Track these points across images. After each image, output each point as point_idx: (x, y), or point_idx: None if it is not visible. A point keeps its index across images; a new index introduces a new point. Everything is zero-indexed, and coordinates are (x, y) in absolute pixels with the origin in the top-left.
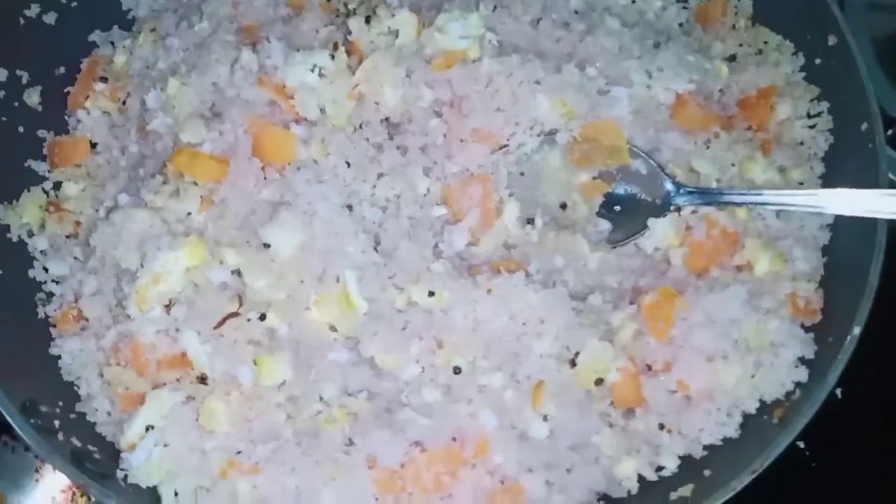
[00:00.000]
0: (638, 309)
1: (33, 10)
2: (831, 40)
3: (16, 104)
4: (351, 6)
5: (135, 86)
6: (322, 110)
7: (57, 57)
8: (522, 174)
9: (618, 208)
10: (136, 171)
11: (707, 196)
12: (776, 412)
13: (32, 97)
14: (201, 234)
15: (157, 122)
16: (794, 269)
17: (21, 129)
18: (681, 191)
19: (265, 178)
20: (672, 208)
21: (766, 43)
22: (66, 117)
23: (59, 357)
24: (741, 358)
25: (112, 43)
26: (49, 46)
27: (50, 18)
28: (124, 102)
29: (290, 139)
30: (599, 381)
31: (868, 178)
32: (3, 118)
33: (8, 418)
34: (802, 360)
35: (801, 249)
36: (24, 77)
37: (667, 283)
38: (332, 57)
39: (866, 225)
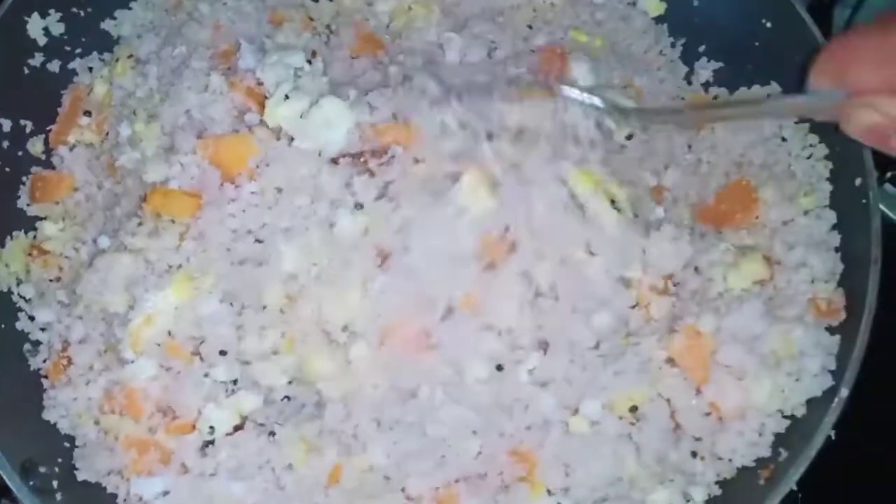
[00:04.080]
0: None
1: (37, 60)
2: None
3: (20, 154)
4: (333, 27)
5: (116, 117)
6: None
7: (58, 102)
8: None
9: None
10: (111, 211)
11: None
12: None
13: (36, 146)
14: (185, 269)
15: (125, 157)
16: (812, 273)
17: (24, 178)
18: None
19: (245, 206)
20: None
21: None
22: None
23: (54, 408)
24: (770, 372)
25: (90, 69)
26: (51, 93)
27: (54, 67)
28: (108, 135)
29: (243, 140)
30: (634, 409)
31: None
32: (7, 169)
33: (7, 481)
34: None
35: (815, 254)
36: (28, 126)
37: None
38: (310, 63)
39: None
